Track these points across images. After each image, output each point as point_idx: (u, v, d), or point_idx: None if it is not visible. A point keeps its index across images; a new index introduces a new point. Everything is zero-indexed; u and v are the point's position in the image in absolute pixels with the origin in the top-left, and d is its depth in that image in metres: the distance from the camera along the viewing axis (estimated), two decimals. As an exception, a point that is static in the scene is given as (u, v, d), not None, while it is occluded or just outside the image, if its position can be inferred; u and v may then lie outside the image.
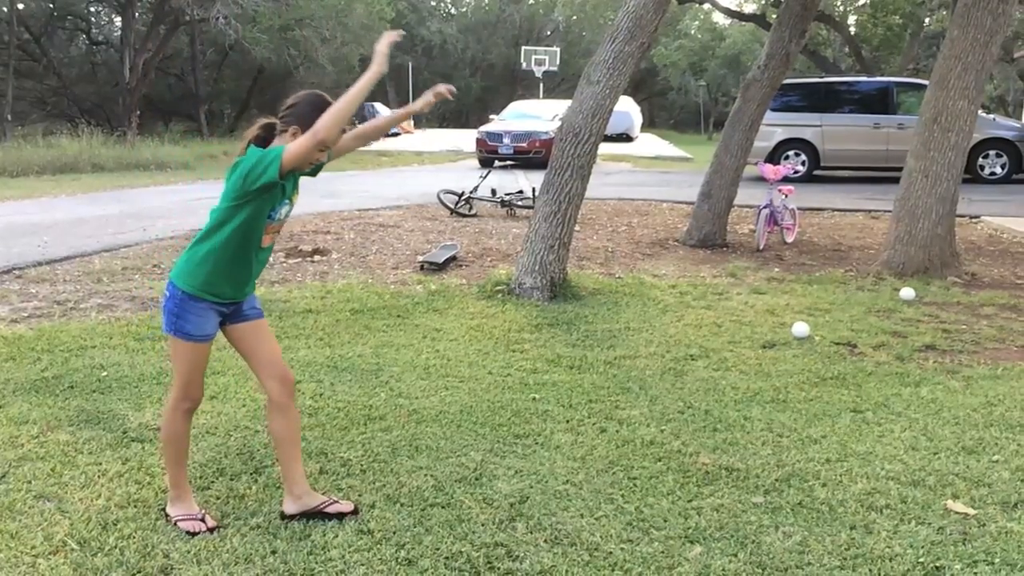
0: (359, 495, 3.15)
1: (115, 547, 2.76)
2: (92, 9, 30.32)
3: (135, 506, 3.03)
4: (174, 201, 12.50)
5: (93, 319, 5.70)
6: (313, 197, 13.01)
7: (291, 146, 2.69)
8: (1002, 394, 4.36)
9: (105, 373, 4.50)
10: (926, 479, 3.35)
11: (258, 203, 2.78)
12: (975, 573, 2.68)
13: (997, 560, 2.76)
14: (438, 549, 2.78)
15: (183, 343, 2.85)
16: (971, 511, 3.09)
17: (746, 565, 2.71)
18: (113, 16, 30.58)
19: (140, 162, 18.42)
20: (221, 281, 2.83)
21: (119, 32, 27.70)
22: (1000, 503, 3.16)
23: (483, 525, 2.95)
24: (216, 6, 23.59)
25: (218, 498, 3.11)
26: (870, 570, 2.69)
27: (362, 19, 31.02)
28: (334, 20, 28.87)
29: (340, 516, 2.95)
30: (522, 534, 2.89)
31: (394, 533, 2.88)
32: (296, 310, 5.98)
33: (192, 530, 2.86)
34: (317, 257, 8.07)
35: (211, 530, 2.87)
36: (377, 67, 2.82)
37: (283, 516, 2.96)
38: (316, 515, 2.94)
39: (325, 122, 2.66)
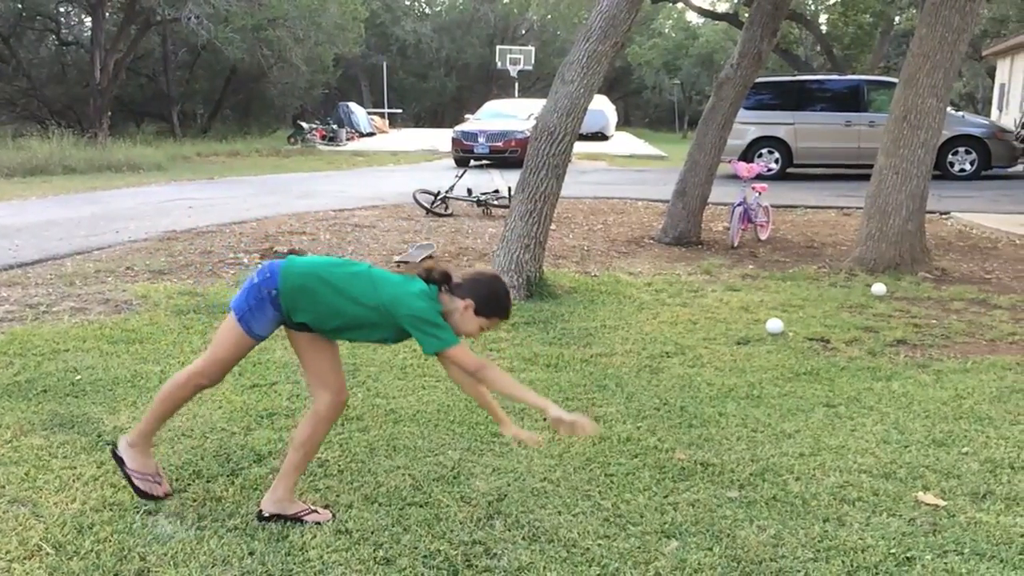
0: (337, 495, 3.15)
1: (91, 551, 2.74)
2: (61, 9, 29.92)
3: (111, 509, 3.01)
4: (147, 203, 12.39)
5: (66, 322, 5.65)
6: (288, 198, 12.96)
7: (461, 355, 2.78)
8: (971, 387, 4.43)
9: (79, 377, 4.46)
10: (897, 472, 3.41)
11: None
12: (945, 563, 2.73)
13: (967, 550, 2.81)
14: (416, 548, 2.79)
15: (239, 332, 2.86)
16: (941, 502, 3.14)
17: (721, 559, 2.75)
18: (83, 16, 30.21)
19: (112, 164, 18.23)
20: (309, 316, 2.83)
21: (89, 33, 27.36)
22: (969, 494, 3.21)
23: (461, 523, 2.96)
24: (188, 6, 23.38)
25: (195, 500, 3.10)
26: (843, 562, 2.73)
27: (336, 19, 30.87)
28: (307, 20, 28.70)
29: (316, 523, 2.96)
30: (500, 532, 2.91)
31: (372, 533, 2.88)
32: (272, 311, 5.95)
33: (147, 491, 2.90)
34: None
35: (166, 495, 2.95)
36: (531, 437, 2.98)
37: (260, 516, 2.95)
38: (292, 519, 2.94)
39: (494, 377, 2.80)
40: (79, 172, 17.24)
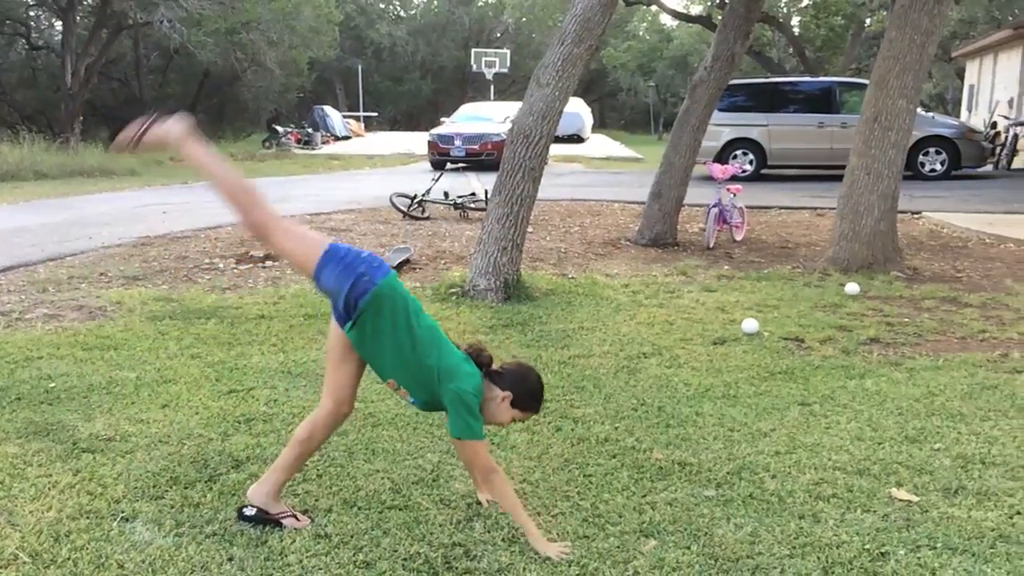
0: (316, 500, 3.15)
1: (68, 559, 2.72)
2: (32, 13, 29.62)
3: (87, 517, 2.99)
4: (121, 208, 12.29)
5: (39, 329, 5.60)
6: (263, 202, 12.88)
7: (481, 451, 2.77)
8: (943, 384, 4.50)
9: (53, 384, 4.42)
10: (871, 468, 3.45)
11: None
12: (918, 558, 2.77)
13: (939, 545, 2.85)
14: (396, 551, 2.80)
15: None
16: (914, 498, 3.19)
17: (699, 557, 2.77)
18: (53, 20, 29.90)
19: (84, 169, 18.05)
20: (362, 333, 2.77)
21: (60, 37, 27.08)
22: (941, 490, 3.26)
23: (441, 526, 2.97)
24: (160, 9, 23.22)
25: (172, 507, 3.08)
26: (818, 558, 2.77)
27: (310, 22, 30.79)
28: (281, 23, 28.59)
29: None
30: (480, 534, 2.92)
31: (352, 537, 2.89)
32: (248, 316, 5.94)
33: (304, 525, 2.93)
34: (269, 262, 8.01)
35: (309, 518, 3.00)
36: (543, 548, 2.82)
37: (240, 514, 2.96)
38: (271, 522, 2.94)
39: (498, 484, 2.80)
40: (51, 178, 17.05)
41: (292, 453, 2.95)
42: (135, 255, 8.41)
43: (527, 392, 2.90)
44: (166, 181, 16.81)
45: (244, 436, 3.76)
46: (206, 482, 3.29)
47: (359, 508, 3.09)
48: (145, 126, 2.85)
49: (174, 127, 2.85)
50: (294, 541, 2.84)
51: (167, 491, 3.22)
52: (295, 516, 2.98)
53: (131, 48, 29.40)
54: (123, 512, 3.03)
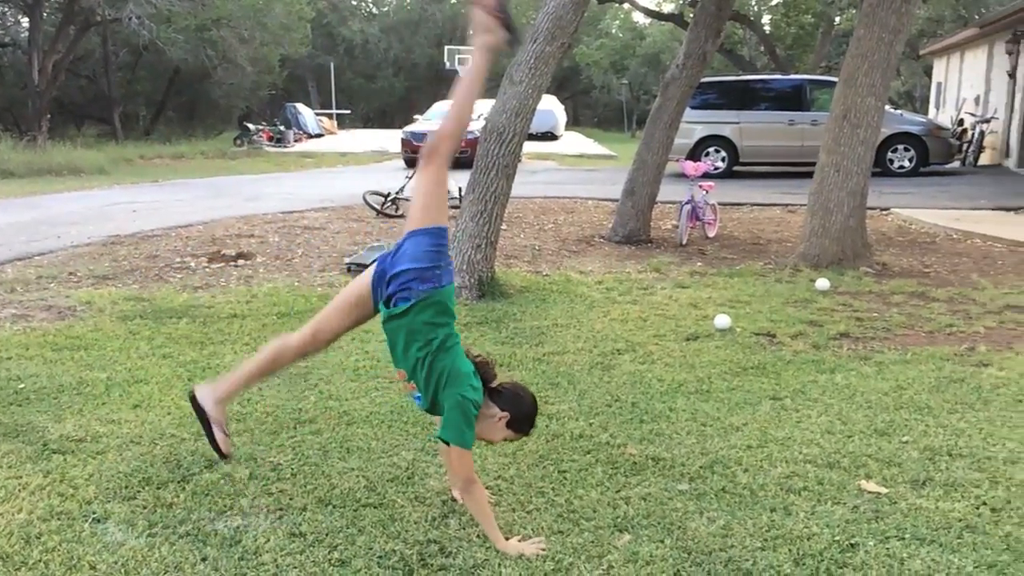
0: (290, 498, 3.14)
1: (39, 560, 2.70)
2: (-3, 9, 29.18)
3: (58, 519, 2.96)
4: (89, 207, 12.14)
5: (8, 330, 5.52)
6: (236, 200, 12.80)
7: (465, 460, 2.78)
8: (911, 378, 4.57)
9: (22, 385, 4.37)
10: (841, 461, 3.50)
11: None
12: (887, 548, 2.82)
13: (907, 535, 2.90)
14: (371, 549, 2.80)
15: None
16: (883, 490, 3.24)
17: (672, 550, 2.80)
18: (20, 17, 29.41)
19: (52, 167, 17.79)
20: (398, 325, 2.80)
21: (26, 34, 26.66)
22: (910, 481, 3.32)
23: (416, 523, 2.97)
24: (128, 6, 22.91)
25: (145, 507, 3.06)
26: (789, 550, 2.81)
27: (281, 19, 30.52)
28: (252, 20, 28.33)
29: (215, 447, 3.20)
30: (455, 530, 2.93)
31: (327, 535, 2.88)
32: (221, 315, 5.90)
33: (222, 443, 3.13)
34: (241, 261, 7.95)
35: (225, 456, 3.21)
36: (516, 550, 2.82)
37: (191, 397, 3.17)
38: (204, 421, 3.15)
39: (475, 495, 2.82)
40: (18, 176, 16.80)
41: (254, 364, 3.11)
42: (105, 254, 8.32)
43: (523, 415, 2.93)
44: (136, 180, 16.63)
45: (217, 436, 3.74)
46: (179, 482, 3.27)
47: (334, 506, 3.09)
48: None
49: (498, 35, 2.98)
50: (268, 540, 2.83)
51: (139, 491, 3.19)
52: (226, 434, 3.17)
53: (99, 45, 29.02)
54: (95, 513, 3.00)
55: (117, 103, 29.64)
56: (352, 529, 2.92)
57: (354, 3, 51.28)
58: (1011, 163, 16.55)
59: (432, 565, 2.71)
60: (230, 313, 5.95)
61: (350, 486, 3.25)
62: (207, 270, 7.62)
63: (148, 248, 8.66)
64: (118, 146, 24.20)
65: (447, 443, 2.79)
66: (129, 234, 9.52)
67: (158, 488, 3.22)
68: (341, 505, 3.10)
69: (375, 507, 3.09)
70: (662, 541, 2.86)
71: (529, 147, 20.98)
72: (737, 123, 15.90)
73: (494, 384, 2.91)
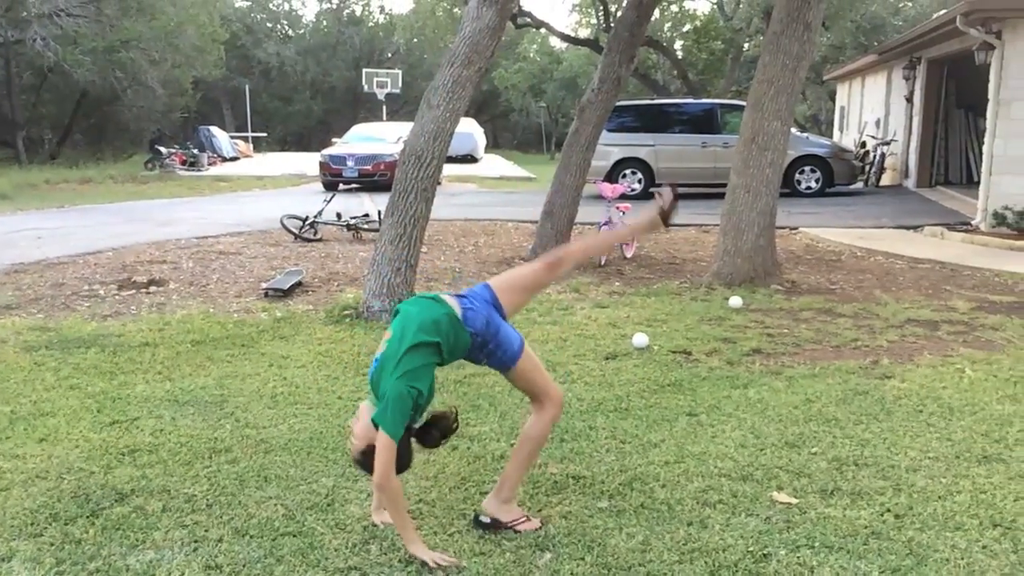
0: (206, 530, 3.07)
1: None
2: None
3: (-43, 561, 2.83)
4: (-9, 234, 11.65)
5: (-99, 364, 5.25)
6: (147, 226, 12.47)
7: (387, 449, 2.77)
8: (819, 391, 4.74)
9: (-83, 421, 4.16)
10: (754, 474, 3.60)
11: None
12: (798, 557, 2.91)
13: (817, 544, 3.00)
14: (290, 578, 2.75)
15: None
16: (793, 500, 3.35)
17: (593, 567, 2.84)
18: (-85, 36, 28.18)
19: (-50, 193, 17.04)
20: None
21: (-78, 54, 25.58)
22: (819, 491, 3.44)
23: (336, 550, 2.94)
24: (33, 27, 22.20)
25: (52, 544, 2.95)
26: (706, 562, 2.87)
27: (194, 41, 29.94)
28: (164, 41, 27.70)
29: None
30: (376, 556, 2.91)
31: (244, 566, 2.83)
32: (132, 344, 5.73)
33: (534, 528, 3.04)
34: (153, 288, 7.75)
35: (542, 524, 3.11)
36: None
37: (477, 521, 3.09)
38: (507, 528, 3.06)
39: (392, 488, 2.81)
40: (-88, 202, 16.04)
41: (522, 452, 3.15)
42: (7, 283, 8.00)
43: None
44: (40, 205, 16.03)
45: (128, 468, 3.63)
46: (88, 517, 3.17)
47: (251, 536, 3.03)
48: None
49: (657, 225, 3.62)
50: (183, 574, 2.76)
51: (46, 528, 3.08)
52: (529, 518, 3.10)
53: (1, 67, 27.96)
54: (-3, 553, 2.88)
55: (20, 126, 28.55)
56: (270, 559, 2.87)
57: (269, 25, 50.66)
58: (910, 183, 17.31)
59: (353, 592, 2.68)
60: (141, 341, 5.79)
61: (268, 515, 3.19)
62: (117, 298, 7.39)
63: (54, 276, 8.36)
64: (22, 170, 23.30)
65: (374, 423, 2.82)
66: (33, 261, 9.17)
67: (66, 524, 3.11)
68: (259, 535, 3.04)
69: (294, 536, 3.04)
70: (583, 558, 2.89)
71: (449, 169, 21.01)
72: (652, 145, 16.25)
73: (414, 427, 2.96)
